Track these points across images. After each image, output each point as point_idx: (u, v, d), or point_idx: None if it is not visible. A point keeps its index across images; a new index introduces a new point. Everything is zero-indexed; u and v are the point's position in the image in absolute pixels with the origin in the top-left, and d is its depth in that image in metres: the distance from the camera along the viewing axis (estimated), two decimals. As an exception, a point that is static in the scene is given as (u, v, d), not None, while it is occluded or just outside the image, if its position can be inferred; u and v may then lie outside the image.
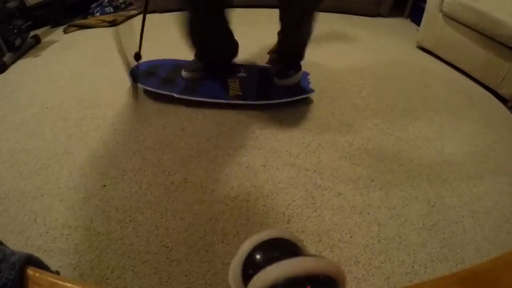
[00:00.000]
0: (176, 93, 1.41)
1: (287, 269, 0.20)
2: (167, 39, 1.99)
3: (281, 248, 0.23)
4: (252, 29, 2.17)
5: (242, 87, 1.48)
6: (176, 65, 1.60)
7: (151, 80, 1.50)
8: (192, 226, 0.95)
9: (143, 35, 1.43)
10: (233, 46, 1.58)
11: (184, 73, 1.53)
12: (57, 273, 0.30)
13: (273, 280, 0.20)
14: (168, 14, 2.49)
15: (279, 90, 1.45)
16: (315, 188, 1.08)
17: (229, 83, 1.50)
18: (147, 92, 1.51)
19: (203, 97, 1.41)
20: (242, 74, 1.57)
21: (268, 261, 0.21)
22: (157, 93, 1.44)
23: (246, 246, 0.23)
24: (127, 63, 1.44)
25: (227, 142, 1.26)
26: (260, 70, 1.63)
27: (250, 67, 1.64)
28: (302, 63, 1.51)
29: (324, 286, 0.20)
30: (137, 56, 1.45)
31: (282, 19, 1.31)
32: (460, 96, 1.59)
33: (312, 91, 1.45)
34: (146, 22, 1.42)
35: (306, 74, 1.54)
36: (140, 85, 1.48)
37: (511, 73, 1.49)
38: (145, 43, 1.45)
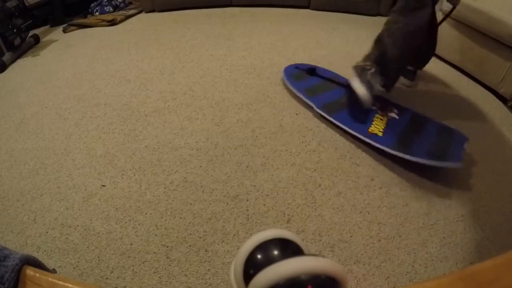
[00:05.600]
0: (317, 107, 1.38)
1: (288, 269, 0.20)
2: (168, 38, 1.99)
3: (282, 248, 0.23)
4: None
5: (386, 129, 1.26)
6: (334, 79, 1.58)
7: (299, 84, 1.53)
8: (192, 226, 0.95)
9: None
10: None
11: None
12: (54, 271, 0.30)
13: (274, 280, 0.19)
14: (167, 13, 2.49)
15: (421, 146, 1.17)
16: (315, 187, 1.08)
17: (375, 119, 1.31)
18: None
19: (339, 122, 1.31)
20: (394, 114, 1.35)
21: (269, 261, 0.21)
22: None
23: (247, 246, 0.23)
24: None
25: (226, 141, 1.25)
26: (413, 117, 1.35)
27: (404, 110, 1.39)
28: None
29: (325, 286, 0.20)
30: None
31: None
32: (460, 96, 1.59)
33: (459, 161, 1.09)
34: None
35: (464, 139, 1.21)
36: (290, 87, 1.52)
37: (511, 73, 1.49)
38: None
